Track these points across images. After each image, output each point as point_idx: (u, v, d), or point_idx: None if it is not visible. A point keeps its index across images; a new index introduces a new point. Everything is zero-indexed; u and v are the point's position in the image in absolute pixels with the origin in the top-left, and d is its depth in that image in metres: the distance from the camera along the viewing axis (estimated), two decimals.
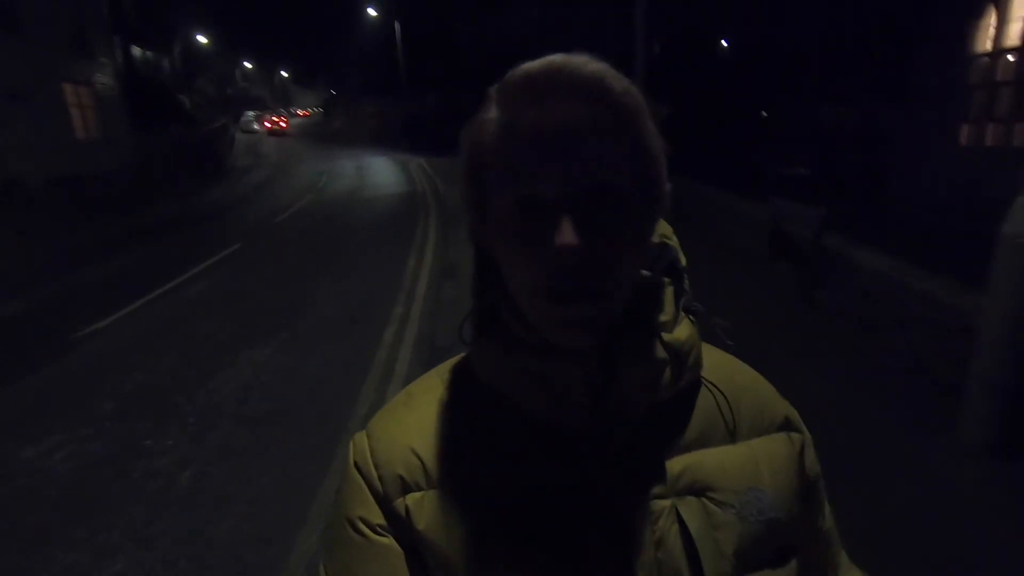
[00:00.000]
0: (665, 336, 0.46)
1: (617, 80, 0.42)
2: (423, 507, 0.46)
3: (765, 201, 5.24)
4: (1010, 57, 6.42)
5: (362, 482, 0.48)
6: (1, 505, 2.71)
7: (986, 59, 6.70)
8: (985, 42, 6.68)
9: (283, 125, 36.81)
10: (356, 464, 0.50)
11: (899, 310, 3.40)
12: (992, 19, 6.57)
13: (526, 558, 0.43)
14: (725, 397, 0.50)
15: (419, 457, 0.47)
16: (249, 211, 11.92)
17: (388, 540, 0.46)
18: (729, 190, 6.81)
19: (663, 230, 0.51)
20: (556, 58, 0.42)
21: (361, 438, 0.52)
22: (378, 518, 0.47)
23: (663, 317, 0.47)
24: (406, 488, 0.47)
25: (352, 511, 0.48)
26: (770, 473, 0.49)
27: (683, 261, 0.51)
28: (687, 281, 0.50)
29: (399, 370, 3.84)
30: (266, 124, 36.15)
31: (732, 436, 0.49)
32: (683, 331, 0.47)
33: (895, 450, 2.65)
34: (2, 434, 3.35)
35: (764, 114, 21.95)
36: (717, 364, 0.53)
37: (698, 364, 0.49)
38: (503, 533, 0.44)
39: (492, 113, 0.43)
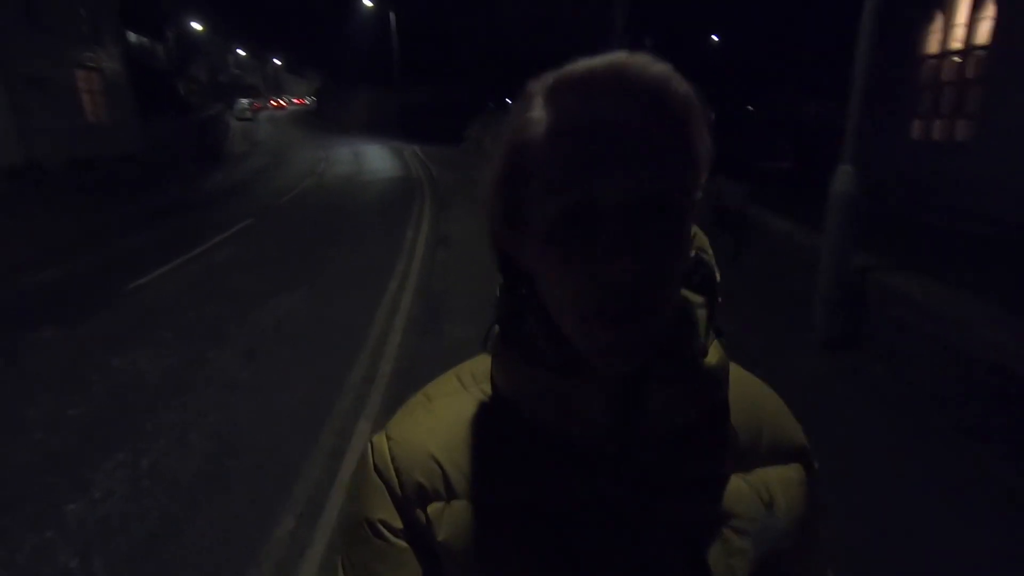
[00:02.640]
0: (700, 360, 0.45)
1: (680, 84, 0.39)
2: (444, 518, 0.46)
3: (712, 179, 6.21)
4: (955, 58, 6.88)
5: (383, 486, 0.48)
6: (108, 391, 3.65)
7: (934, 60, 7.18)
8: (933, 44, 7.19)
9: (283, 104, 52.89)
10: (376, 467, 0.49)
11: (793, 260, 4.40)
12: (939, 24, 7.08)
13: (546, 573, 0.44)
14: (747, 422, 0.50)
15: (440, 465, 0.47)
16: (254, 193, 12.73)
17: (407, 544, 0.47)
18: None
19: (700, 242, 0.48)
20: (620, 56, 0.39)
21: (380, 441, 0.51)
22: (398, 523, 0.47)
23: (698, 339, 0.45)
24: (426, 497, 0.47)
25: (372, 514, 0.48)
26: (785, 501, 0.49)
27: (718, 277, 0.48)
28: (719, 300, 0.48)
29: (403, 307, 4.84)
30: (271, 103, 51.04)
31: (751, 462, 0.49)
32: (715, 355, 0.46)
33: (772, 351, 3.67)
34: (90, 352, 4.27)
35: (750, 108, 22.87)
36: (742, 386, 0.52)
37: (726, 387, 0.48)
38: (524, 547, 0.44)
39: (537, 112, 0.40)
